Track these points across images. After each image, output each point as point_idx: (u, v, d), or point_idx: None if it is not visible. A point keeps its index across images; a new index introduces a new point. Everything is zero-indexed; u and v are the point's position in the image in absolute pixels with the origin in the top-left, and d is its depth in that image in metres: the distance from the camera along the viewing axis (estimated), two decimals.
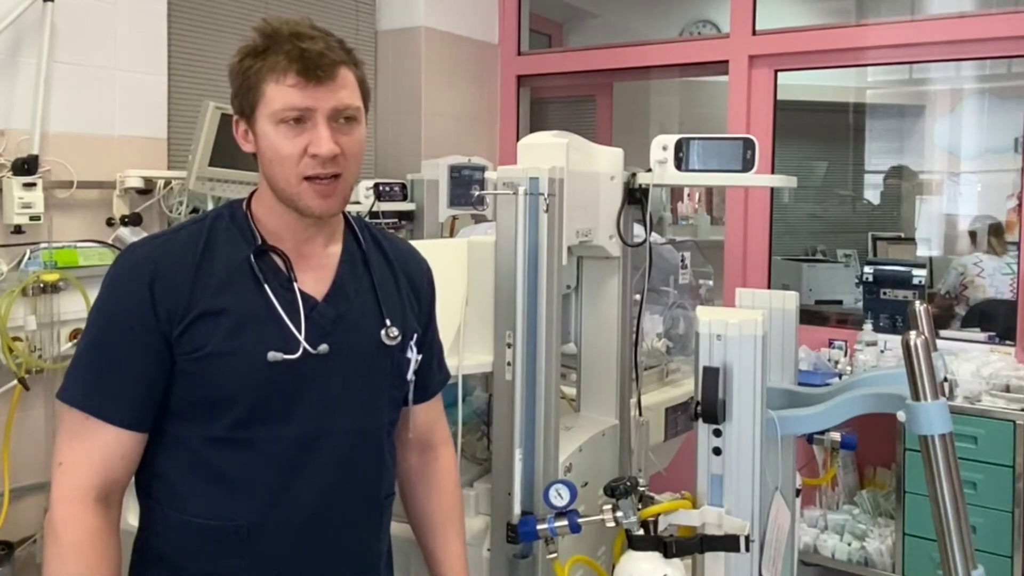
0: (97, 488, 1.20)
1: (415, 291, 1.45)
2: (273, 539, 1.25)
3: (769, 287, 3.88)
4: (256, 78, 1.22)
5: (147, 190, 2.96)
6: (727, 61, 3.94)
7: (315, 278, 1.31)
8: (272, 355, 1.23)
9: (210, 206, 2.83)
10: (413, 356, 1.39)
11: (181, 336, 1.21)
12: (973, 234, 4.56)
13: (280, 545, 1.26)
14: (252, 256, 1.26)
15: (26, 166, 2.63)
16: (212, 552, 1.24)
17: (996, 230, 4.43)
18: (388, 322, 1.35)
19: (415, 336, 1.40)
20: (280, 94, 1.21)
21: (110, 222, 2.91)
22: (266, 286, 1.25)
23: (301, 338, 1.25)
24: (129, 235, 2.86)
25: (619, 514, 1.49)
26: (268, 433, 1.24)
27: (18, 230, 2.64)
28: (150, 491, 1.28)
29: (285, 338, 1.24)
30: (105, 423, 1.20)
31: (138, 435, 1.23)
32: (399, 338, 1.35)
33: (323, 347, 1.26)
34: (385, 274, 1.40)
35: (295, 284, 1.28)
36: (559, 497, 1.57)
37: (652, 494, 1.53)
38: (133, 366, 1.21)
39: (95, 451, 1.20)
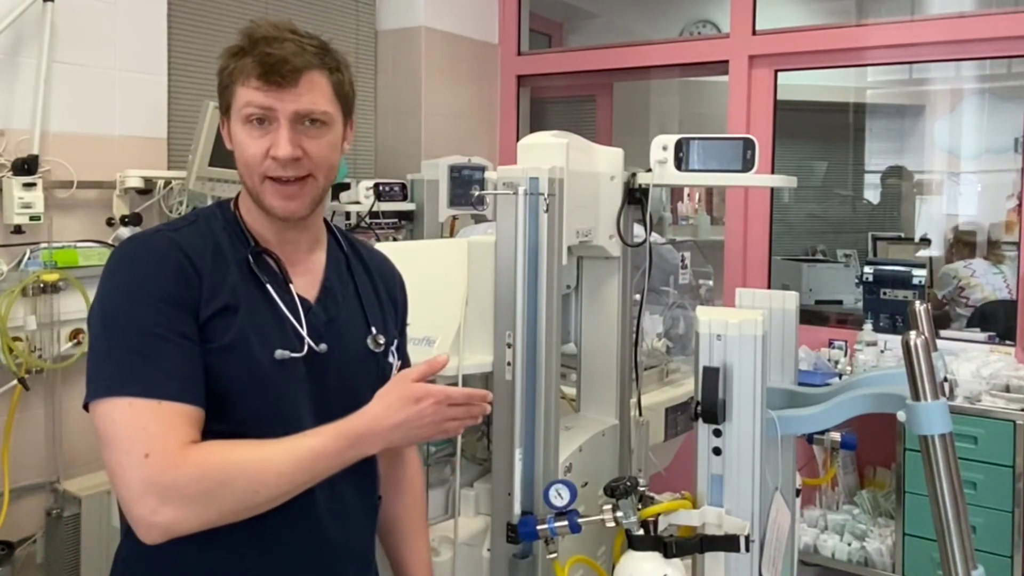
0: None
1: (392, 298, 1.47)
2: (275, 540, 1.25)
3: (769, 287, 3.88)
4: (230, 79, 1.24)
5: (147, 190, 2.97)
6: (727, 61, 3.95)
7: (305, 281, 1.32)
8: (280, 353, 1.23)
9: None
10: (394, 362, 1.41)
11: (203, 327, 1.20)
12: (962, 242, 4.59)
13: (281, 546, 1.26)
14: (250, 257, 1.27)
15: (26, 166, 2.63)
16: (210, 555, 1.22)
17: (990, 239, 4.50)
18: (374, 329, 1.37)
19: (395, 342, 1.42)
20: (245, 94, 1.23)
21: (110, 222, 2.91)
22: (268, 286, 1.26)
23: (305, 334, 1.26)
24: (128, 235, 2.86)
25: (619, 514, 1.49)
26: (270, 433, 1.23)
27: (18, 230, 2.64)
28: None
29: (290, 337, 1.26)
30: (181, 404, 1.14)
31: (204, 413, 1.18)
32: (384, 344, 1.38)
33: (323, 346, 1.28)
34: (366, 281, 1.42)
35: (291, 285, 1.29)
36: (559, 497, 1.57)
37: (652, 494, 1.53)
38: (188, 344, 1.17)
39: (179, 429, 1.13)
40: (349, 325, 1.35)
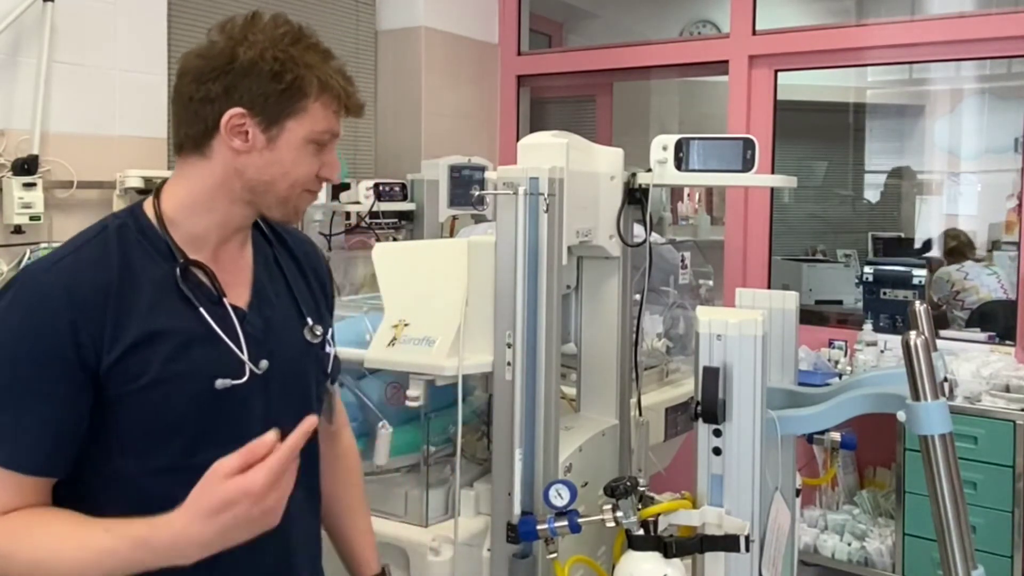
0: None
1: (321, 284, 1.42)
2: (232, 553, 1.16)
3: (769, 287, 3.88)
4: (305, 85, 1.17)
5: (147, 190, 2.96)
6: (727, 61, 3.95)
7: (234, 283, 1.25)
8: (220, 382, 1.17)
9: None
10: (332, 351, 1.38)
11: (114, 367, 1.11)
12: (949, 248, 4.59)
13: (239, 556, 1.17)
14: (178, 274, 1.17)
15: (26, 166, 2.63)
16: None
17: (967, 243, 4.51)
18: (310, 320, 1.32)
19: (329, 331, 1.38)
20: (325, 117, 1.20)
21: None
22: (201, 309, 1.18)
23: (245, 358, 1.19)
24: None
25: (619, 514, 1.49)
26: (219, 454, 1.14)
27: (18, 230, 2.64)
28: None
29: (229, 361, 1.19)
30: (5, 470, 1.09)
31: (49, 480, 1.13)
32: (321, 335, 1.34)
33: (263, 363, 1.22)
34: (295, 271, 1.36)
35: (225, 300, 1.21)
36: (559, 497, 1.57)
37: (652, 494, 1.53)
38: (49, 409, 1.10)
39: None
40: (285, 324, 1.29)
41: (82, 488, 1.16)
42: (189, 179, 1.22)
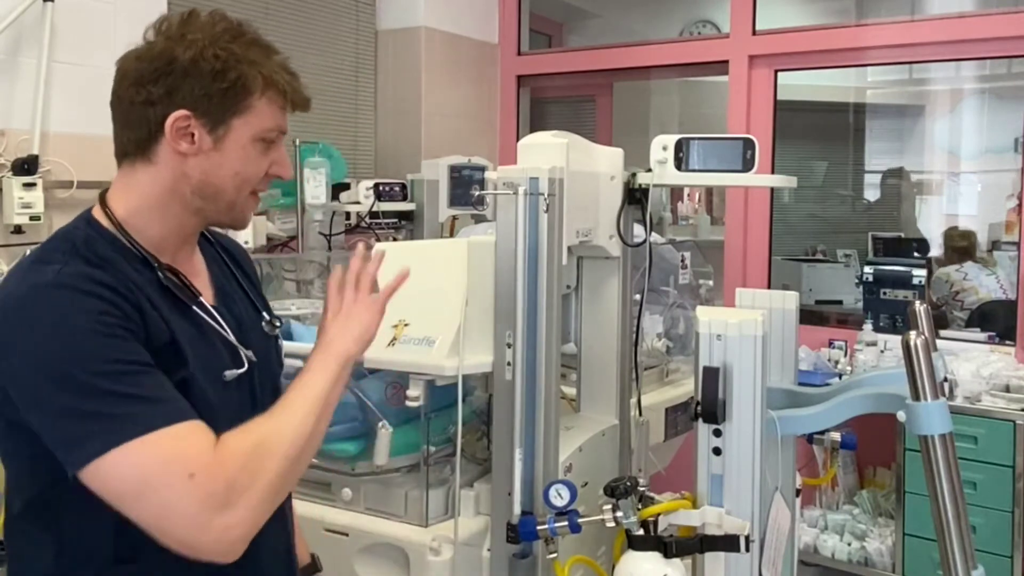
0: None
1: (256, 277, 1.44)
2: (256, 543, 1.15)
3: (769, 287, 3.88)
4: (249, 82, 1.14)
5: None
6: (727, 61, 3.95)
7: (199, 284, 1.24)
8: (229, 374, 1.18)
9: None
10: (282, 344, 1.40)
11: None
12: (951, 247, 4.59)
13: (261, 543, 1.17)
14: (162, 276, 1.16)
15: (26, 166, 2.63)
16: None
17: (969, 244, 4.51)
18: (265, 315, 1.34)
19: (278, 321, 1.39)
20: (271, 114, 1.18)
21: None
22: (194, 307, 1.18)
23: (240, 346, 1.21)
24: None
25: (619, 514, 1.49)
26: None
27: (18, 230, 2.64)
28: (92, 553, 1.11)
29: (227, 353, 1.20)
30: (189, 421, 1.06)
31: None
32: (278, 328, 1.35)
33: (249, 352, 1.23)
34: (238, 267, 1.37)
35: (202, 299, 1.21)
36: (559, 497, 1.57)
37: (652, 494, 1.53)
38: (156, 370, 1.07)
39: (201, 439, 1.05)
40: (249, 319, 1.30)
41: (47, 513, 1.10)
42: (138, 185, 1.18)
